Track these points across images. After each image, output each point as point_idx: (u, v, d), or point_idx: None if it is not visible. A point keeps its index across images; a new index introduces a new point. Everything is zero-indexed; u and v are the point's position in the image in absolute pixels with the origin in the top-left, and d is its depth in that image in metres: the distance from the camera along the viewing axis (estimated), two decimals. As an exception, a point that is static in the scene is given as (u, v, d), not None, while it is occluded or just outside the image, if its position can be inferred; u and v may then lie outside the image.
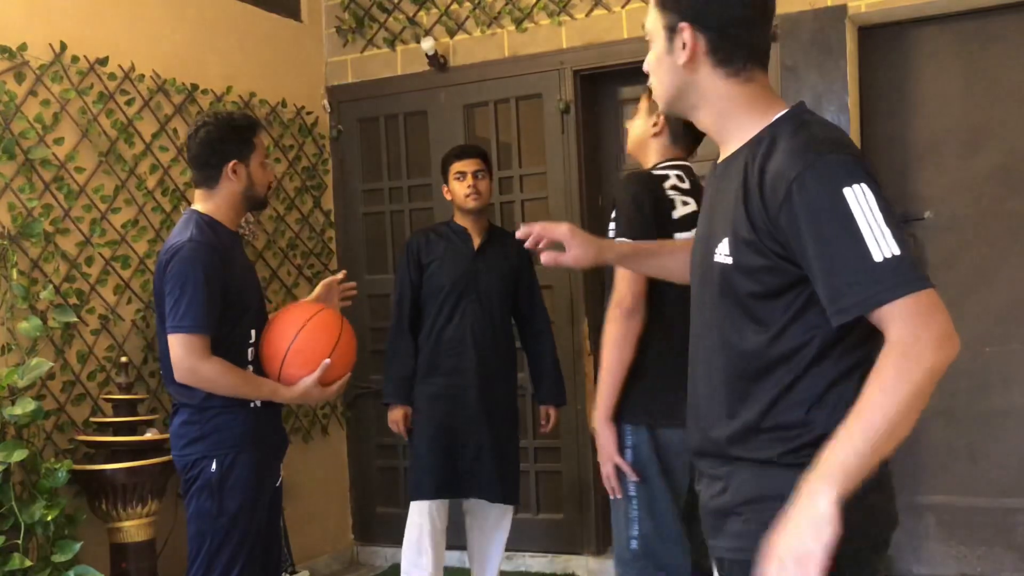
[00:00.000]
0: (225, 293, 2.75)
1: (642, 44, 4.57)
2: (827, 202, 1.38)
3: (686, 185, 2.69)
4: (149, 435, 3.54)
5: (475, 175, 3.68)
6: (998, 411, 3.96)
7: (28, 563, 3.11)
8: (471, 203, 3.69)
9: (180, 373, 2.71)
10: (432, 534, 3.67)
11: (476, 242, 3.74)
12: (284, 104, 4.61)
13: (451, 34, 4.62)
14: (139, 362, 3.82)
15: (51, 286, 3.49)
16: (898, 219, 1.39)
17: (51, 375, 3.49)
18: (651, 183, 2.67)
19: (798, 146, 1.45)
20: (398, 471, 4.84)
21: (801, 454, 1.47)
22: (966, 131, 3.99)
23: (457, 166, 3.71)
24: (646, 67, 1.68)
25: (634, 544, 2.60)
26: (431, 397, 3.68)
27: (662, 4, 1.62)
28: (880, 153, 4.10)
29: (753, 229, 1.48)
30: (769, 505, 1.47)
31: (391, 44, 4.75)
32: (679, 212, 2.65)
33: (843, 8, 3.90)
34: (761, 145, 1.51)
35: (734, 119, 1.59)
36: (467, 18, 4.59)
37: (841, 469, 1.34)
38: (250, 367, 2.84)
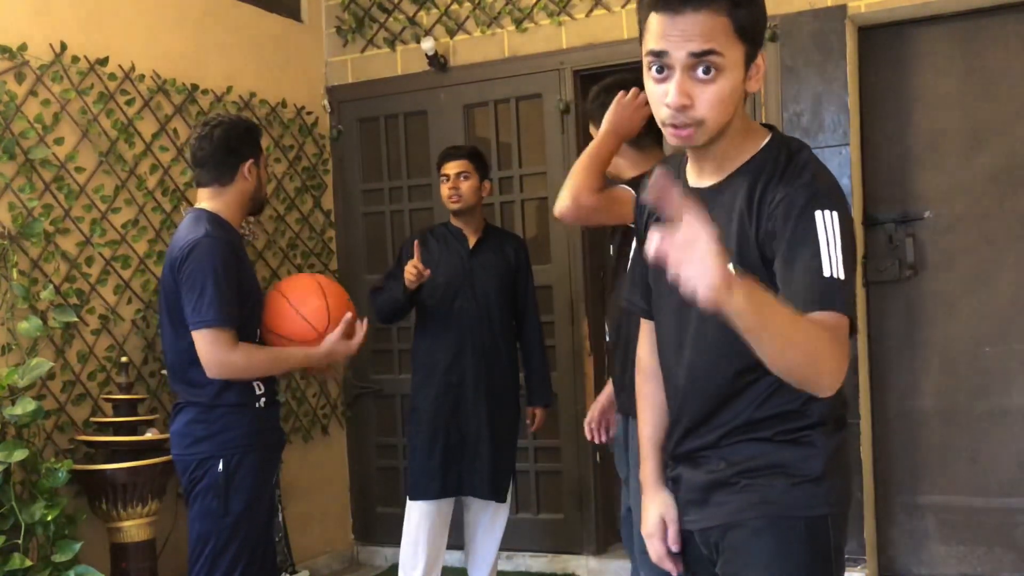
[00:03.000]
0: (239, 289, 2.76)
1: (642, 44, 4.47)
2: (802, 219, 1.53)
3: None
4: (149, 435, 3.54)
5: (457, 177, 3.70)
6: (998, 411, 3.96)
7: (28, 563, 3.11)
8: (452, 205, 3.72)
9: (212, 369, 2.70)
10: (431, 534, 3.68)
11: (471, 241, 3.76)
12: (284, 104, 4.61)
13: (451, 34, 4.62)
14: (139, 362, 3.82)
15: (51, 286, 3.49)
16: (855, 254, 1.56)
17: (51, 375, 3.49)
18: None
19: (793, 171, 1.58)
20: (398, 471, 4.84)
21: (800, 434, 1.63)
22: (966, 131, 3.99)
23: (443, 169, 3.75)
24: (709, 105, 1.56)
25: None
26: (430, 396, 3.69)
27: (747, 35, 1.57)
28: (880, 153, 4.10)
29: (759, 248, 1.57)
30: (765, 472, 1.63)
31: (391, 44, 4.75)
32: None
33: (843, 8, 3.90)
34: (764, 168, 1.60)
35: (735, 142, 1.64)
36: (467, 18, 4.59)
37: (749, 295, 1.35)
38: None
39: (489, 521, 3.83)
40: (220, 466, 2.75)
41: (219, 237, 2.74)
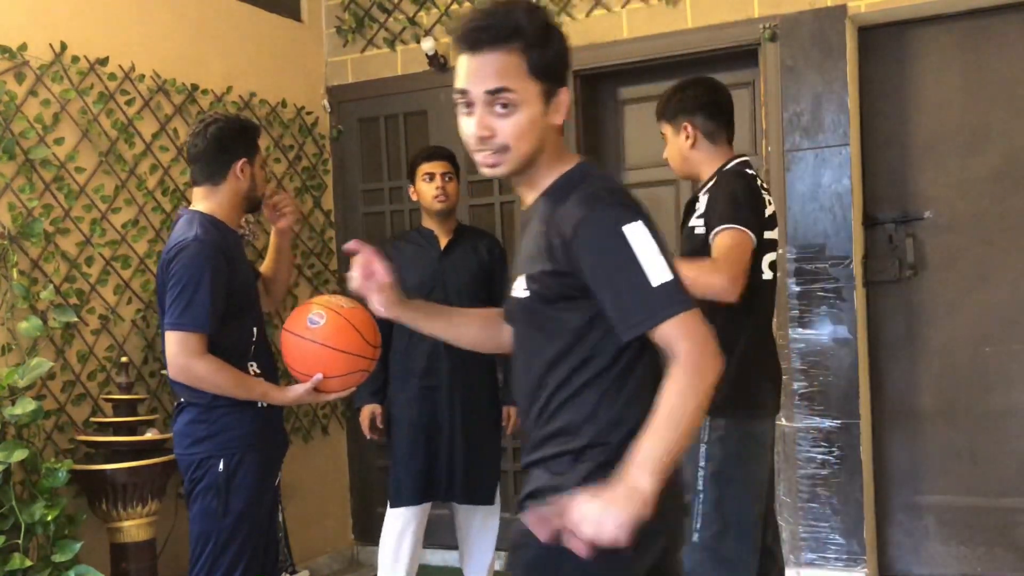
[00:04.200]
0: (230, 292, 2.76)
1: (642, 44, 4.56)
2: (610, 239, 1.63)
3: (766, 184, 2.79)
4: (149, 435, 3.54)
5: (443, 177, 3.68)
6: (998, 411, 3.96)
7: (28, 563, 3.11)
8: (438, 205, 3.68)
9: (174, 370, 2.72)
10: (412, 541, 3.66)
11: (443, 242, 3.73)
12: (284, 104, 4.61)
13: (451, 34, 4.61)
14: (139, 362, 3.82)
15: (51, 286, 3.49)
16: (669, 251, 1.65)
17: (51, 375, 3.49)
18: (752, 182, 2.72)
19: (585, 195, 1.68)
20: (398, 471, 4.84)
21: (576, 457, 1.71)
22: (966, 131, 3.99)
23: (425, 167, 3.70)
24: (509, 135, 1.70)
25: (695, 537, 2.62)
26: (406, 400, 3.66)
27: (542, 73, 1.72)
28: (880, 153, 4.10)
29: (552, 263, 1.69)
30: (543, 496, 1.71)
31: (391, 44, 4.75)
32: (768, 211, 2.72)
33: (843, 8, 3.90)
34: (556, 194, 1.73)
35: (544, 170, 1.76)
36: (467, 18, 4.58)
37: (653, 460, 1.57)
38: (253, 364, 2.85)
39: (480, 524, 3.80)
40: (220, 466, 2.75)
41: (208, 240, 2.74)
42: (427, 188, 3.68)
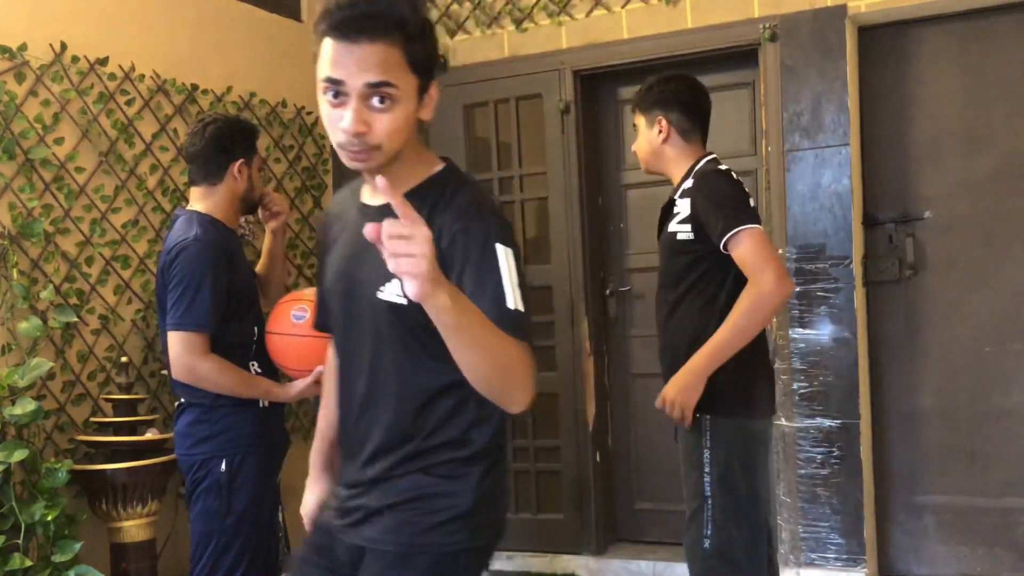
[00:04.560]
0: (230, 292, 2.76)
1: (642, 44, 4.56)
2: (485, 254, 1.63)
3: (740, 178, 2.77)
4: (149, 435, 3.54)
5: None
6: (998, 411, 3.96)
7: (28, 563, 3.11)
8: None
9: (177, 370, 2.72)
10: None
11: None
12: (284, 104, 4.61)
13: (451, 34, 4.62)
14: (139, 362, 3.82)
15: (51, 286, 3.49)
16: (527, 283, 1.67)
17: (51, 375, 3.49)
18: (732, 177, 2.69)
19: (464, 205, 1.68)
20: (398, 471, 4.84)
21: (457, 466, 1.70)
22: (966, 131, 3.99)
23: None
24: (385, 132, 1.64)
25: (706, 544, 2.60)
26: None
27: (419, 67, 1.67)
28: (880, 153, 4.10)
29: None
30: (413, 504, 1.69)
31: (391, 44, 4.74)
32: (752, 203, 2.69)
33: (843, 8, 3.90)
34: (431, 195, 1.69)
35: (408, 167, 1.71)
36: (467, 18, 4.59)
37: (454, 296, 1.50)
38: (254, 363, 2.85)
39: None
40: (223, 466, 2.75)
41: (208, 241, 2.74)
42: None
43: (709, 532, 2.59)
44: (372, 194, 1.77)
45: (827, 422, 3.94)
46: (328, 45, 1.60)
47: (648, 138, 2.82)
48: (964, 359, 4.01)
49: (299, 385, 2.83)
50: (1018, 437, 3.93)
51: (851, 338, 3.93)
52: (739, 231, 2.54)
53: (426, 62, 1.66)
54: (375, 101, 1.59)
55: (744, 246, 2.54)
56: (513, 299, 1.62)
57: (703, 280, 2.66)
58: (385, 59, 1.59)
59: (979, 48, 3.95)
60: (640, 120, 2.86)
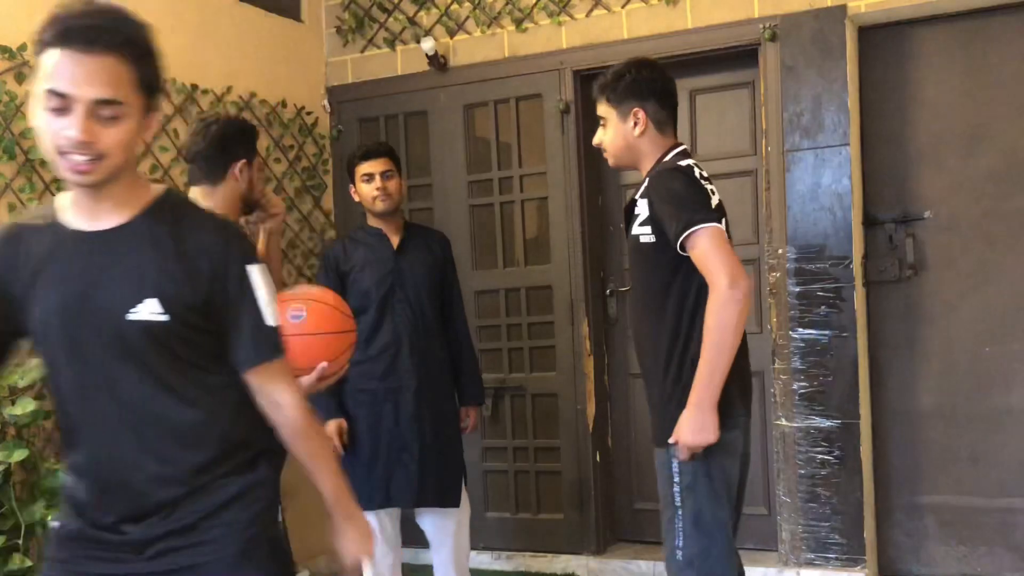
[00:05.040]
0: None
1: (642, 44, 4.57)
2: (243, 273, 1.73)
3: (706, 173, 2.64)
4: (149, 435, 3.53)
5: (383, 176, 3.54)
6: (998, 411, 3.96)
7: (28, 563, 3.11)
8: (379, 205, 3.54)
9: None
10: (381, 548, 3.50)
11: (395, 241, 3.60)
12: (284, 104, 4.61)
13: (451, 34, 4.62)
14: (139, 362, 3.82)
15: (51, 286, 3.48)
16: (275, 297, 1.78)
17: (51, 375, 3.49)
18: (690, 172, 2.56)
19: (213, 224, 1.76)
20: (398, 471, 4.84)
21: (253, 462, 1.86)
22: (966, 131, 3.99)
23: (363, 168, 3.56)
24: (112, 144, 1.62)
25: (679, 555, 2.57)
26: (369, 403, 3.53)
27: (147, 87, 1.68)
28: (880, 153, 4.10)
29: (192, 293, 1.69)
30: (242, 503, 1.84)
31: (391, 44, 4.75)
32: (714, 201, 2.57)
33: (843, 8, 3.90)
34: (168, 214, 1.71)
35: (128, 186, 1.70)
36: (467, 18, 4.59)
37: None
38: None
39: (453, 525, 3.64)
40: None
41: None
42: (367, 189, 3.56)
43: (680, 544, 2.56)
44: (91, 218, 1.70)
45: (827, 422, 3.94)
46: (54, 55, 1.56)
47: (622, 132, 2.66)
48: (964, 359, 4.01)
49: (303, 383, 2.82)
50: (1018, 437, 3.93)
51: (851, 338, 3.93)
52: (692, 232, 2.44)
53: (153, 82, 1.66)
54: (104, 113, 1.58)
55: (698, 248, 2.45)
56: (270, 316, 1.76)
57: (674, 281, 2.55)
58: (116, 74, 1.58)
59: (979, 48, 3.95)
60: (610, 112, 2.68)
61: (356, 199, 3.65)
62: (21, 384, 3.22)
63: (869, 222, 4.09)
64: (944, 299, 4.03)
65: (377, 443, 3.51)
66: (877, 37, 4.06)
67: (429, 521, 3.67)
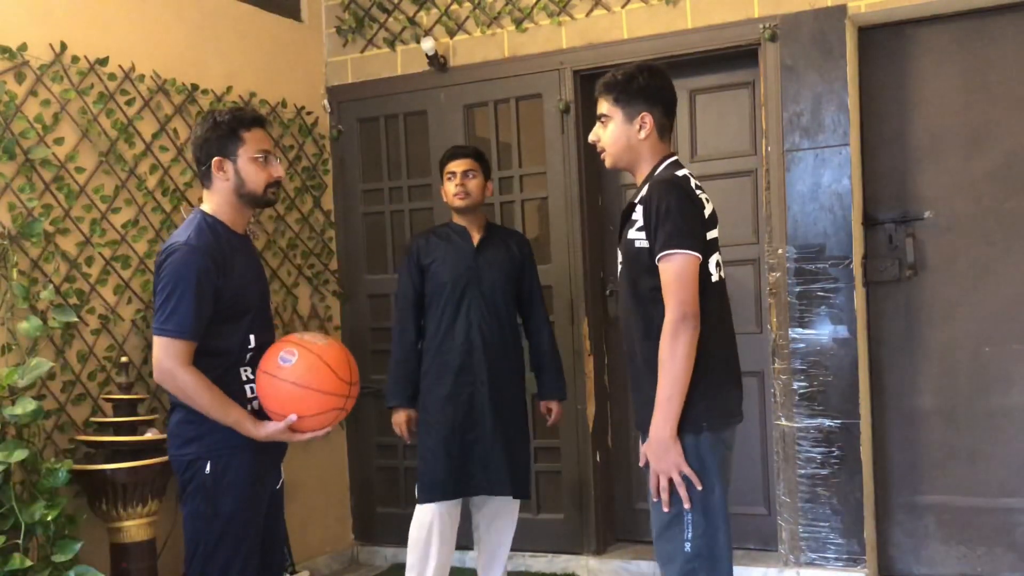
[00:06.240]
0: (220, 298, 2.72)
1: (642, 44, 4.56)
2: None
3: (699, 182, 2.68)
4: (149, 435, 3.54)
5: (464, 175, 3.74)
6: (998, 411, 3.96)
7: (28, 563, 3.11)
8: (458, 202, 3.74)
9: (157, 374, 2.71)
10: (441, 535, 3.66)
11: (475, 239, 3.78)
12: (284, 104, 4.61)
13: (451, 34, 4.62)
14: (139, 362, 3.82)
15: (51, 286, 3.49)
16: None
17: (51, 375, 3.49)
18: (686, 186, 2.59)
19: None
20: (398, 471, 4.84)
21: None
22: (966, 131, 3.99)
23: (448, 167, 3.78)
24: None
25: (687, 547, 2.58)
26: (441, 398, 3.68)
27: None
28: (880, 153, 4.10)
29: None
30: None
31: (391, 44, 4.75)
32: (707, 210, 2.62)
33: (843, 8, 3.90)
34: None
35: None
36: (467, 18, 4.59)
37: None
38: (247, 369, 2.81)
39: (505, 518, 3.84)
40: (208, 468, 2.72)
41: (197, 246, 2.70)
42: (449, 186, 3.77)
43: (690, 535, 2.58)
44: None
45: (827, 422, 3.94)
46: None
47: (626, 132, 2.65)
48: (964, 359, 4.01)
49: (271, 427, 2.74)
50: (1018, 437, 3.93)
51: (851, 338, 3.93)
52: (669, 254, 2.48)
53: None
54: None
55: (666, 273, 2.49)
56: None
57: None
58: None
59: (979, 48, 3.95)
60: (615, 111, 2.66)
61: (445, 198, 3.83)
62: (21, 384, 3.22)
63: (869, 222, 4.09)
64: (944, 299, 4.03)
65: (451, 435, 3.65)
66: (877, 37, 4.06)
67: (489, 512, 3.82)
